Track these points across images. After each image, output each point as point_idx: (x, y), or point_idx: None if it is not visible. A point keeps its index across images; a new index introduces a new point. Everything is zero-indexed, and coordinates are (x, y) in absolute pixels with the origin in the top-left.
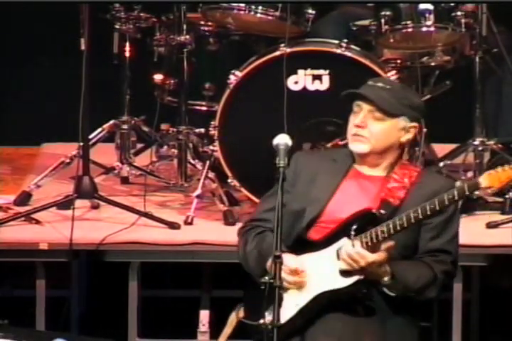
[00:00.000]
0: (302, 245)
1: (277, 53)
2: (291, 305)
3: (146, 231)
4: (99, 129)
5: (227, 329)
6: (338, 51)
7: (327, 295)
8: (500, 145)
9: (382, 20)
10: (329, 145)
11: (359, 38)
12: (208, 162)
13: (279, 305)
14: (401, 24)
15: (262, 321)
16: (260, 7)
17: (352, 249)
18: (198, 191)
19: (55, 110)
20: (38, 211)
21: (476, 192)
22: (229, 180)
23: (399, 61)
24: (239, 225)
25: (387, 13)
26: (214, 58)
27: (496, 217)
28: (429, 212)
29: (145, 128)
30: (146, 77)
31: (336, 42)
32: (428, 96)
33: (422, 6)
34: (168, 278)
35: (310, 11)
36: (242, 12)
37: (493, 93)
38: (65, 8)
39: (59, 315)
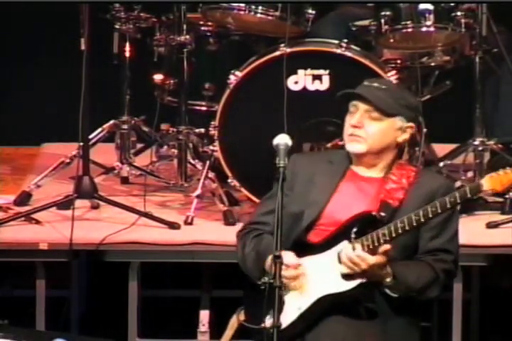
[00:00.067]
0: (302, 248)
1: (277, 53)
2: (293, 308)
3: (146, 231)
4: (99, 129)
5: (228, 333)
6: (338, 51)
7: (329, 298)
8: (500, 146)
9: (382, 20)
10: (329, 145)
11: (359, 38)
12: (207, 162)
13: (280, 307)
14: (401, 24)
15: (263, 325)
16: (260, 7)
17: (353, 252)
18: (198, 191)
19: (55, 110)
20: (38, 211)
21: None
22: (229, 180)
23: (399, 61)
24: (239, 225)
25: (387, 13)
26: (214, 58)
27: (496, 217)
28: (430, 215)
29: (145, 128)
30: (146, 77)
31: (336, 42)
32: (428, 96)
33: (422, 6)
34: (168, 278)
35: (310, 11)
36: (242, 12)
37: (491, 93)
38: (65, 8)
39: (59, 315)
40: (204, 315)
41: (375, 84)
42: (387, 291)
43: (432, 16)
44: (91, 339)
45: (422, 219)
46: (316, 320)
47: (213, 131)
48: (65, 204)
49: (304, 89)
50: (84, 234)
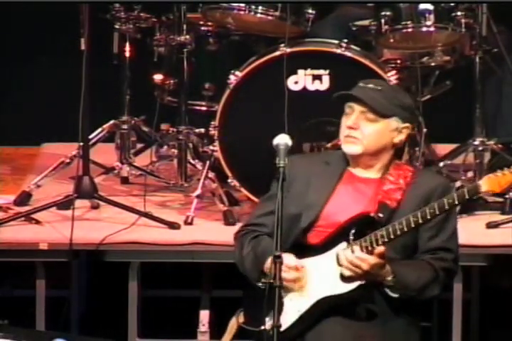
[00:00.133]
0: (300, 249)
1: (277, 53)
2: (292, 310)
3: (146, 231)
4: (99, 129)
5: (228, 335)
6: (338, 51)
7: (328, 300)
8: (500, 146)
9: (382, 20)
10: (329, 145)
11: (359, 38)
12: (208, 162)
13: (280, 307)
14: (401, 24)
15: (262, 327)
16: (260, 7)
17: (352, 254)
18: (198, 191)
19: (55, 110)
20: (38, 211)
21: None
22: (229, 180)
23: (399, 61)
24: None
25: (387, 13)
26: (214, 58)
27: (496, 217)
28: (428, 217)
29: (145, 128)
30: (146, 77)
31: (336, 42)
32: (428, 96)
33: (422, 6)
34: (168, 278)
35: (310, 10)
36: (242, 12)
37: (493, 93)
38: (65, 8)
39: (59, 315)
40: (204, 315)
41: (370, 86)
42: (388, 291)
43: (432, 16)
44: (91, 339)
45: (420, 221)
46: (316, 321)
47: (213, 131)
48: (65, 204)
49: (304, 89)
50: (84, 234)
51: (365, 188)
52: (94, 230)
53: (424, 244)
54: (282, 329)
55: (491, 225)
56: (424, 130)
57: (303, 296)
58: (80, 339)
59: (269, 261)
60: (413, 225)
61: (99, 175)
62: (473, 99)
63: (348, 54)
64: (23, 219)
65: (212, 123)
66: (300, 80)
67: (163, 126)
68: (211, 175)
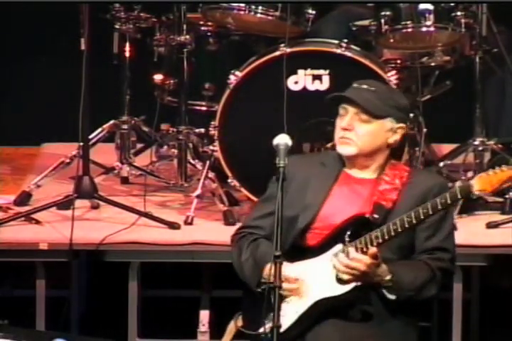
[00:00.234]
0: (298, 251)
1: (277, 53)
2: (290, 312)
3: (146, 231)
4: (99, 129)
5: (226, 339)
6: (338, 51)
7: (325, 302)
8: (500, 145)
9: (382, 20)
10: (329, 145)
11: (359, 38)
12: (208, 162)
13: (280, 307)
14: (401, 24)
15: (261, 330)
16: (260, 7)
17: (347, 258)
18: (198, 191)
19: (55, 110)
20: (38, 211)
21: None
22: (229, 180)
23: (399, 61)
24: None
25: (387, 13)
26: (214, 58)
27: (496, 217)
28: (422, 217)
29: (145, 128)
30: (146, 77)
31: (336, 42)
32: (428, 96)
33: (422, 6)
34: (168, 278)
35: (310, 10)
36: (242, 12)
37: (494, 93)
38: (65, 8)
39: (59, 315)
40: (204, 315)
41: (364, 86)
42: (385, 293)
43: (431, 16)
44: (91, 339)
45: (414, 221)
46: (314, 323)
47: (213, 131)
48: (65, 204)
49: (304, 89)
50: (84, 234)
51: (361, 189)
52: (94, 230)
53: (421, 244)
54: (281, 330)
55: (491, 225)
56: (424, 130)
57: (301, 298)
58: (80, 339)
59: (267, 267)
60: (407, 225)
61: (99, 175)
62: (473, 99)
63: (348, 54)
64: (23, 219)
65: (212, 123)
66: (300, 80)
67: (163, 126)
68: (211, 175)
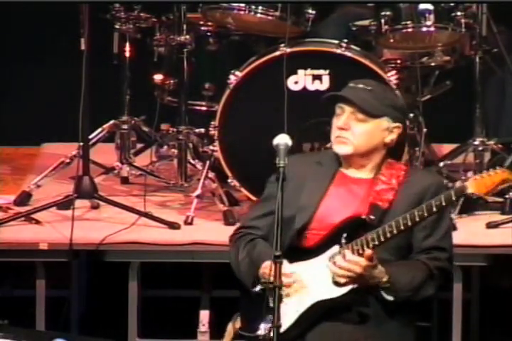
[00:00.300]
0: (295, 253)
1: (277, 53)
2: (288, 314)
3: (146, 231)
4: (99, 129)
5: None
6: (338, 51)
7: (323, 303)
8: (500, 145)
9: (382, 20)
10: (329, 145)
11: (359, 38)
12: (208, 162)
13: (279, 307)
14: (401, 24)
15: (259, 332)
16: (260, 7)
17: (343, 261)
18: (198, 191)
19: (55, 110)
20: (38, 211)
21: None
22: (229, 180)
23: (399, 61)
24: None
25: (387, 13)
26: (214, 58)
27: (496, 217)
28: (417, 219)
29: (145, 128)
30: (146, 77)
31: (336, 42)
32: (428, 96)
33: (422, 6)
34: (168, 278)
35: (310, 11)
36: (242, 12)
37: (494, 93)
38: (65, 8)
39: (59, 315)
40: (204, 315)
41: (360, 86)
42: (383, 294)
43: (432, 16)
44: (91, 339)
45: (410, 223)
46: (311, 324)
47: (213, 131)
48: (65, 204)
49: (304, 89)
50: (84, 234)
51: (357, 189)
52: (94, 230)
53: (418, 244)
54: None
55: (491, 225)
56: (424, 130)
57: (298, 300)
58: (80, 339)
59: (263, 266)
60: (403, 227)
61: (99, 175)
62: (473, 99)
63: (348, 54)
64: (23, 219)
65: (212, 123)
66: (300, 80)
67: (163, 126)
68: (211, 175)
